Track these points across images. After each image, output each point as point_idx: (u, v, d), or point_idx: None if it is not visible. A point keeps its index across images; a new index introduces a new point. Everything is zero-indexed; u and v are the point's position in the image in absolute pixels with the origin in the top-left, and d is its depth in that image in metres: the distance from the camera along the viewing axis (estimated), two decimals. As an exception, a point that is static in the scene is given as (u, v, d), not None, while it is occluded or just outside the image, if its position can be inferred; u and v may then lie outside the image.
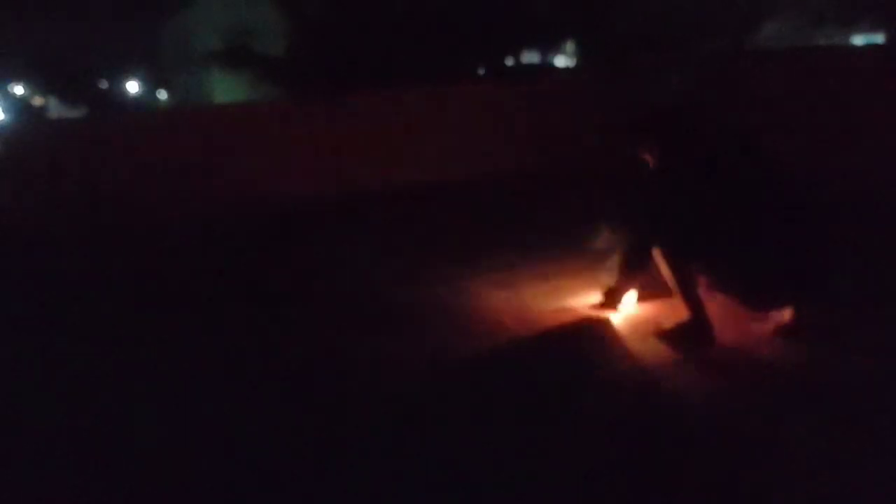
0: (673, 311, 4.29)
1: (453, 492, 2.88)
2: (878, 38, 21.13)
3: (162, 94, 41.99)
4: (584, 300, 4.86)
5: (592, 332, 4.47)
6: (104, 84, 42.11)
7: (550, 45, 17.83)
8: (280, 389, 3.99)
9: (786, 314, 4.10)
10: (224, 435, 3.49)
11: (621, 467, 2.96)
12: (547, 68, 16.84)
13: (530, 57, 17.39)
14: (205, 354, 4.61)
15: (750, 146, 4.20)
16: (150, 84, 42.97)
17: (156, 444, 3.45)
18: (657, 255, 4.16)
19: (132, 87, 43.18)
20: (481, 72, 15.66)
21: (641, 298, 4.69)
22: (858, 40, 21.60)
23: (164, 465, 3.25)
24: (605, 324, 4.56)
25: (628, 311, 4.65)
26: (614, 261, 4.65)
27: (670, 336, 4.16)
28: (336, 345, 4.60)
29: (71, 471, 3.29)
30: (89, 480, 3.18)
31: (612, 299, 4.65)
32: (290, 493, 2.97)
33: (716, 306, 4.13)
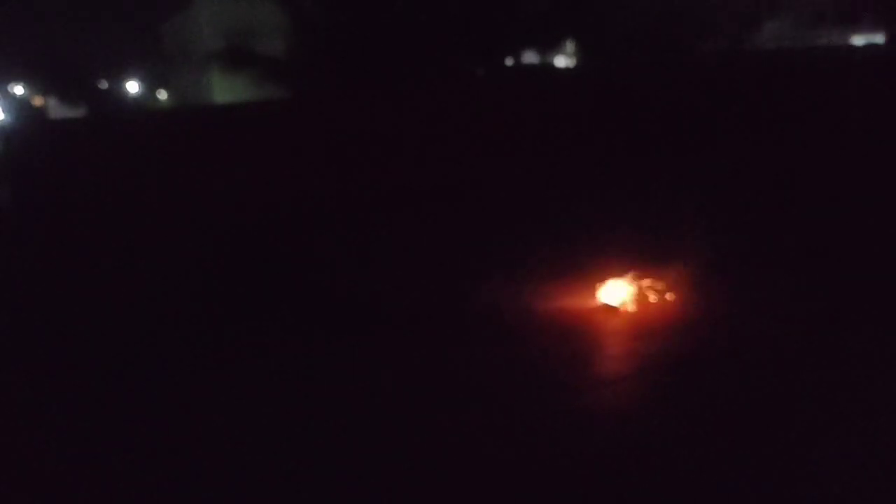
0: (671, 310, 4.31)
1: (455, 489, 2.89)
2: (878, 38, 21.12)
3: (162, 94, 41.88)
4: (585, 300, 4.86)
5: (593, 331, 4.48)
6: (104, 84, 42.04)
7: (550, 44, 17.82)
8: (280, 389, 4.00)
9: None
10: (225, 433, 3.50)
11: (621, 467, 2.96)
12: (547, 68, 16.83)
13: (530, 57, 17.38)
14: (203, 353, 4.62)
15: None
16: (150, 84, 42.85)
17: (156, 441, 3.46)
18: None
19: (132, 87, 43.09)
20: (481, 72, 15.65)
21: (641, 298, 4.70)
22: (858, 40, 21.58)
23: (162, 464, 3.25)
24: (606, 324, 4.57)
25: (628, 310, 4.65)
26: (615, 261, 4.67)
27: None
28: (337, 345, 4.60)
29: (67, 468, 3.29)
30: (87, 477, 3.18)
31: (613, 300, 4.67)
32: (291, 492, 2.97)
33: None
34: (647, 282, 4.70)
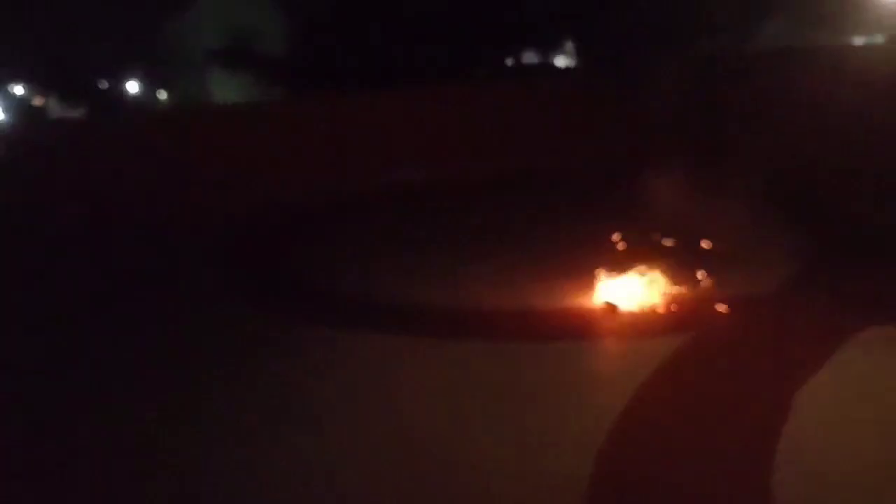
0: (673, 312, 4.30)
1: (455, 490, 2.89)
2: (878, 38, 21.10)
3: (162, 94, 41.92)
4: (585, 300, 4.86)
5: (592, 331, 4.48)
6: (104, 84, 42.09)
7: (550, 44, 17.82)
8: (281, 389, 4.00)
9: None
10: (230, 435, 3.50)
11: (621, 466, 2.96)
12: (547, 68, 16.83)
13: (530, 57, 17.38)
14: (206, 353, 4.62)
15: None
16: (150, 84, 42.90)
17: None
18: None
19: (132, 87, 43.15)
20: (482, 71, 15.65)
21: (643, 298, 4.70)
22: (858, 40, 21.54)
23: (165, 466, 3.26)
24: (606, 323, 4.56)
25: (630, 309, 4.66)
26: (616, 262, 4.67)
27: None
28: (336, 345, 4.60)
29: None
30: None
31: (614, 298, 4.67)
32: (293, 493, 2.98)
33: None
34: (647, 281, 4.71)
